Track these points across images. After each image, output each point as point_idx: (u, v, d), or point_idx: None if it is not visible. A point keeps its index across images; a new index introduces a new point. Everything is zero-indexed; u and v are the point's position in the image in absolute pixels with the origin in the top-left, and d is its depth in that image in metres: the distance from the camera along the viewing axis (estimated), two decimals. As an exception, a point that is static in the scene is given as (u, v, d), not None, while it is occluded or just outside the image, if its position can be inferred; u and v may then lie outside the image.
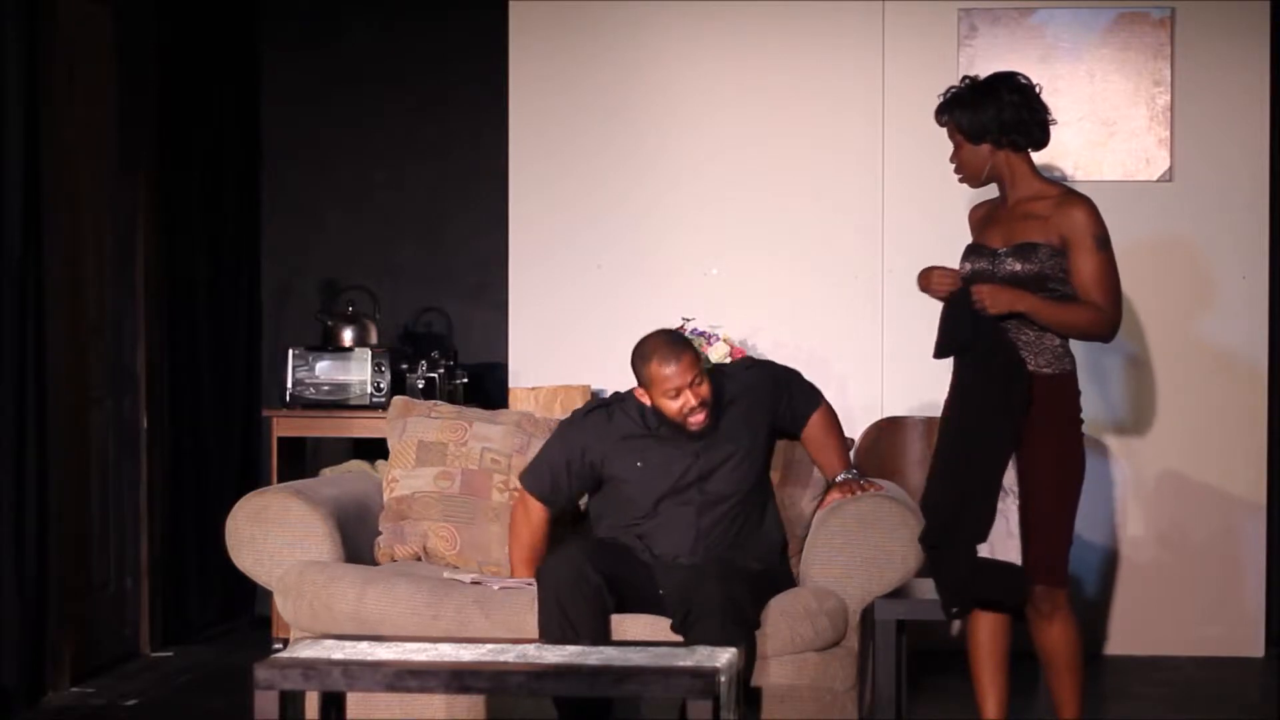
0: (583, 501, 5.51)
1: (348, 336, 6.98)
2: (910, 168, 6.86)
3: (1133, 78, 6.86)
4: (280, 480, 6.60)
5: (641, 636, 5.02)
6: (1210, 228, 6.86)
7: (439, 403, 6.08)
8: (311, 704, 4.75)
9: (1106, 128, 6.87)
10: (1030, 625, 4.91)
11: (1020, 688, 5.18)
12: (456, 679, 4.04)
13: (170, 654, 6.82)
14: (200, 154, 7.26)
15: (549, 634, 4.90)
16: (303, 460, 7.09)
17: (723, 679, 4.00)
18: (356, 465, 6.11)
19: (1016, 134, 4.87)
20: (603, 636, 4.92)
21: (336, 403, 6.89)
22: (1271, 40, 6.85)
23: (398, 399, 5.94)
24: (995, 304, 4.77)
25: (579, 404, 6.45)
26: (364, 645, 4.28)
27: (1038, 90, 4.92)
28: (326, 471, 6.08)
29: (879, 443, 6.65)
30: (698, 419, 5.19)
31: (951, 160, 4.96)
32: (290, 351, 6.94)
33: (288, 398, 6.91)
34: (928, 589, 5.53)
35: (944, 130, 4.97)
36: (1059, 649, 4.87)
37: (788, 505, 5.55)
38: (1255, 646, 6.85)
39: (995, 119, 4.85)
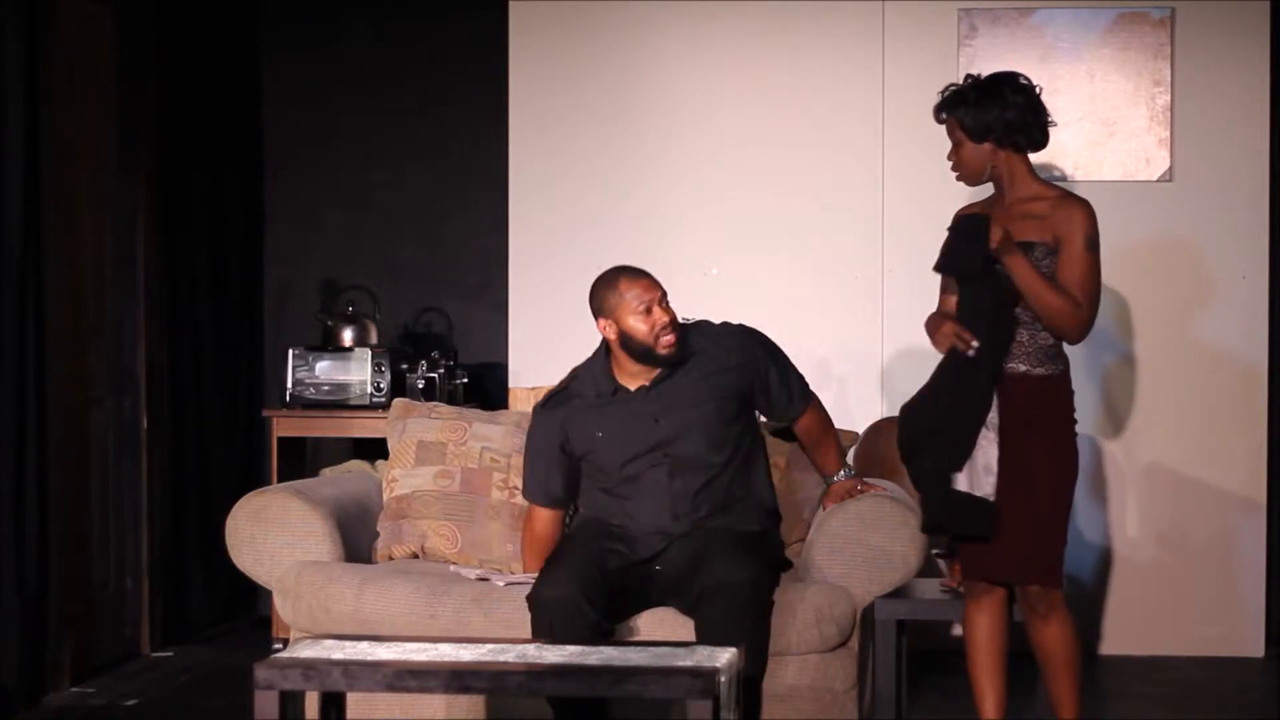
0: None
1: (348, 336, 6.99)
2: (910, 168, 6.86)
3: (1133, 78, 6.86)
4: (280, 480, 6.60)
5: (648, 630, 5.03)
6: (1210, 228, 6.86)
7: (439, 404, 6.09)
8: (311, 704, 4.76)
9: (1106, 128, 6.88)
10: (1027, 626, 4.91)
11: (1020, 688, 5.18)
12: (456, 679, 4.04)
13: (170, 654, 6.82)
14: (200, 154, 7.26)
15: None
16: (303, 460, 7.09)
17: (723, 679, 4.00)
18: (356, 465, 6.11)
19: (1019, 134, 4.87)
20: None
21: (336, 403, 6.89)
22: (1271, 40, 6.85)
23: (398, 401, 5.95)
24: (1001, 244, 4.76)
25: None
26: (364, 645, 4.28)
27: (1038, 92, 4.92)
28: (326, 471, 6.08)
29: (879, 443, 6.65)
30: (669, 339, 5.10)
31: (950, 158, 4.96)
32: (290, 351, 6.94)
33: (288, 398, 6.91)
34: (928, 589, 5.54)
35: (943, 129, 4.97)
36: (1056, 649, 4.87)
37: (797, 489, 5.56)
38: (1255, 646, 6.85)
39: (1000, 118, 4.84)
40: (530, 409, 6.08)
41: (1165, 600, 6.87)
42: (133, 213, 6.81)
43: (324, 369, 6.91)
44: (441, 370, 6.91)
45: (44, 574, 5.99)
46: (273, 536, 5.43)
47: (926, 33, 6.89)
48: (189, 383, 7.16)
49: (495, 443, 5.69)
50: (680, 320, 5.17)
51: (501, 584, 5.26)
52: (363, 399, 6.87)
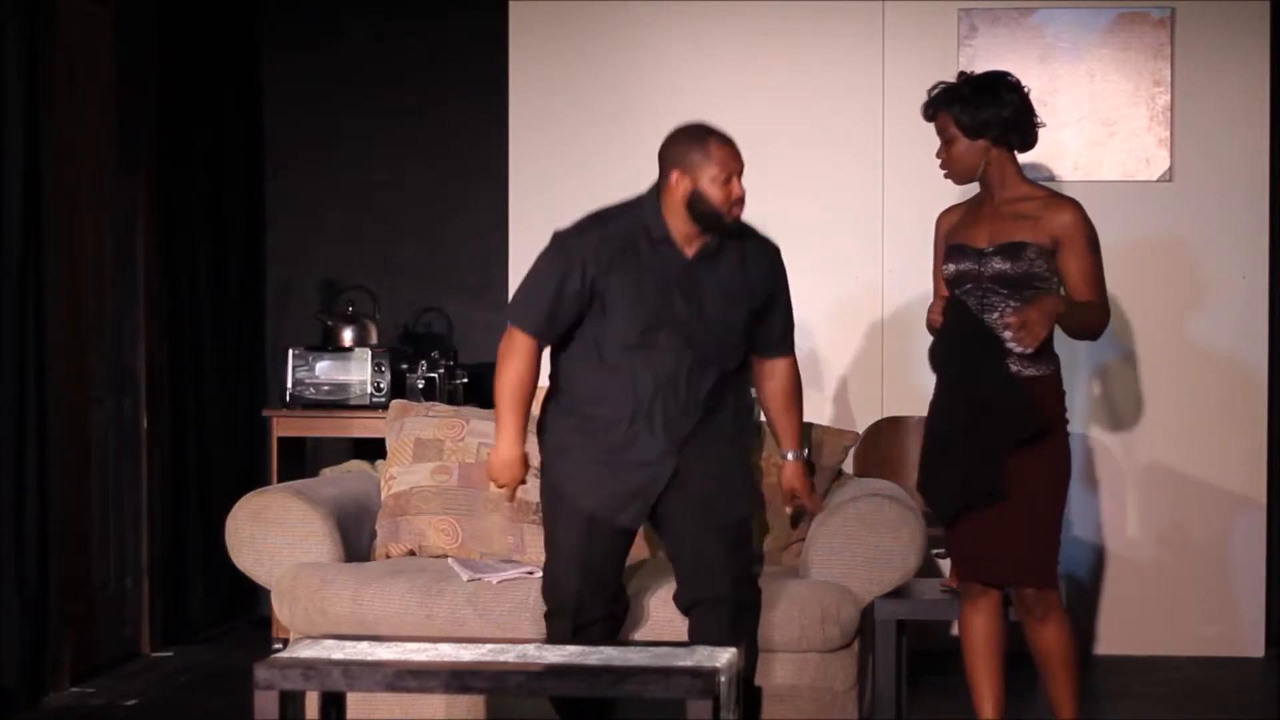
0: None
1: (348, 336, 6.99)
2: (910, 168, 6.86)
3: (1133, 78, 6.86)
4: (280, 480, 6.60)
5: (649, 628, 5.04)
6: (1210, 228, 6.86)
7: (435, 403, 6.10)
8: (311, 704, 4.76)
9: (1106, 128, 6.88)
10: (1024, 628, 4.91)
11: (1019, 688, 5.18)
12: (456, 679, 4.04)
13: (170, 654, 6.82)
14: (201, 154, 7.26)
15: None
16: (303, 460, 7.09)
17: (723, 679, 4.00)
18: (356, 465, 6.11)
19: (1014, 133, 4.87)
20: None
21: (336, 403, 6.89)
22: (1271, 40, 6.85)
23: (396, 402, 5.96)
24: (1038, 333, 4.69)
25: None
26: (364, 645, 4.29)
27: (1027, 92, 4.93)
28: (326, 471, 6.09)
29: (879, 443, 6.65)
30: (738, 212, 4.84)
31: (940, 155, 4.95)
32: (290, 351, 6.95)
33: (288, 398, 6.92)
34: (928, 589, 5.54)
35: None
36: (1053, 650, 4.87)
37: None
38: (1255, 646, 6.85)
39: (997, 116, 4.84)
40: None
41: (1165, 600, 6.87)
42: (133, 213, 6.81)
43: (324, 369, 6.91)
44: (441, 370, 6.91)
45: (44, 574, 5.99)
46: (273, 536, 5.43)
47: (926, 33, 6.89)
48: (189, 383, 7.16)
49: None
50: None
51: (495, 581, 5.26)
52: (363, 399, 6.87)
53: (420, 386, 6.86)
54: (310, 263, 7.61)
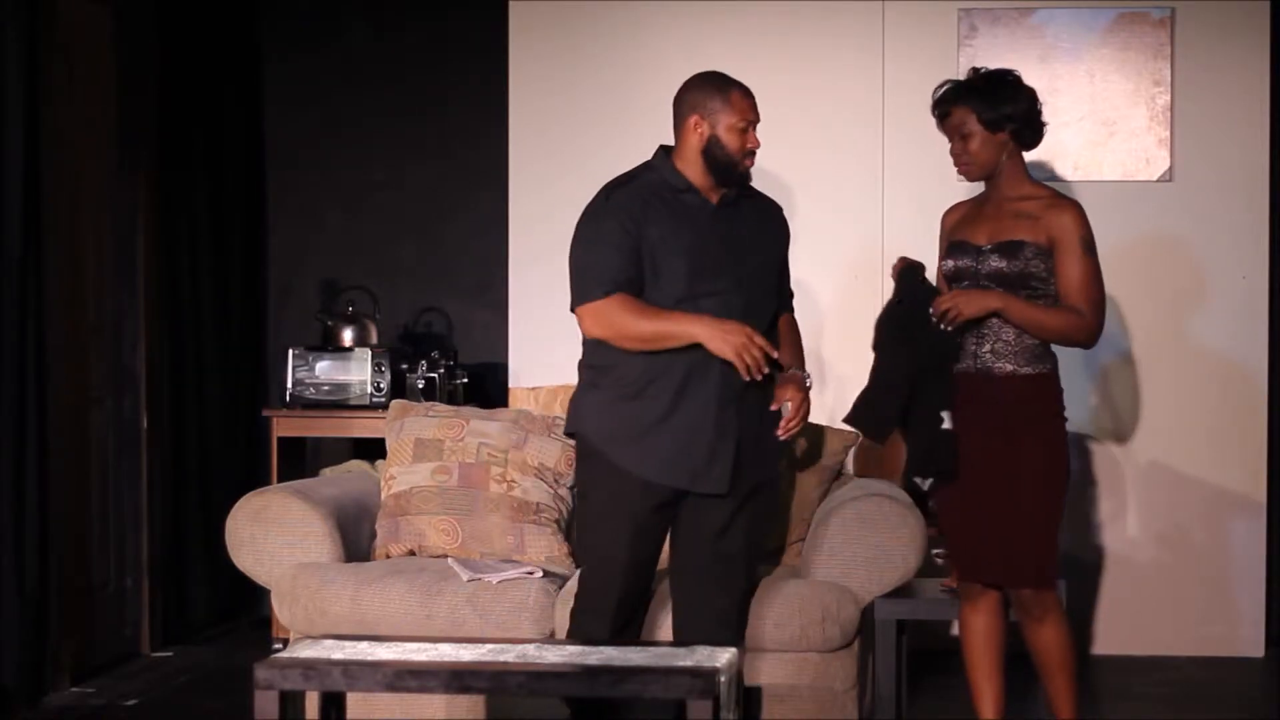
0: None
1: (348, 336, 6.99)
2: (910, 168, 6.86)
3: (1133, 78, 6.86)
4: (280, 480, 6.60)
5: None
6: (1210, 228, 6.86)
7: (435, 403, 6.10)
8: (311, 704, 4.76)
9: (1106, 128, 6.87)
10: (1021, 628, 4.91)
11: (1019, 689, 5.18)
12: (456, 679, 4.04)
13: (170, 654, 6.82)
14: (201, 154, 7.26)
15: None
16: (303, 460, 7.09)
17: (723, 679, 4.00)
18: (356, 465, 6.12)
19: (1029, 128, 4.86)
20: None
21: (336, 403, 6.89)
22: (1271, 40, 6.85)
23: (396, 402, 5.96)
24: (963, 312, 4.76)
25: (579, 404, 6.44)
26: (364, 645, 4.29)
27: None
28: (326, 471, 6.09)
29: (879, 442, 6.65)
30: (750, 163, 4.82)
31: (955, 153, 4.91)
32: (290, 351, 6.95)
33: (288, 398, 6.92)
34: (928, 589, 5.54)
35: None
36: (1051, 650, 4.86)
37: (797, 489, 5.56)
38: (1255, 646, 6.85)
39: (1017, 109, 4.83)
40: (529, 408, 6.09)
41: (1165, 600, 6.87)
42: (133, 213, 6.81)
43: (324, 369, 6.91)
44: (441, 370, 6.91)
45: (44, 574, 5.99)
46: (273, 537, 5.43)
47: (926, 33, 6.89)
48: (189, 383, 7.16)
49: (493, 439, 5.69)
50: None
51: (495, 581, 5.26)
52: (363, 399, 6.87)
53: (420, 386, 6.86)
54: (310, 263, 7.60)
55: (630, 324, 4.71)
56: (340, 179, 7.62)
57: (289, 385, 6.91)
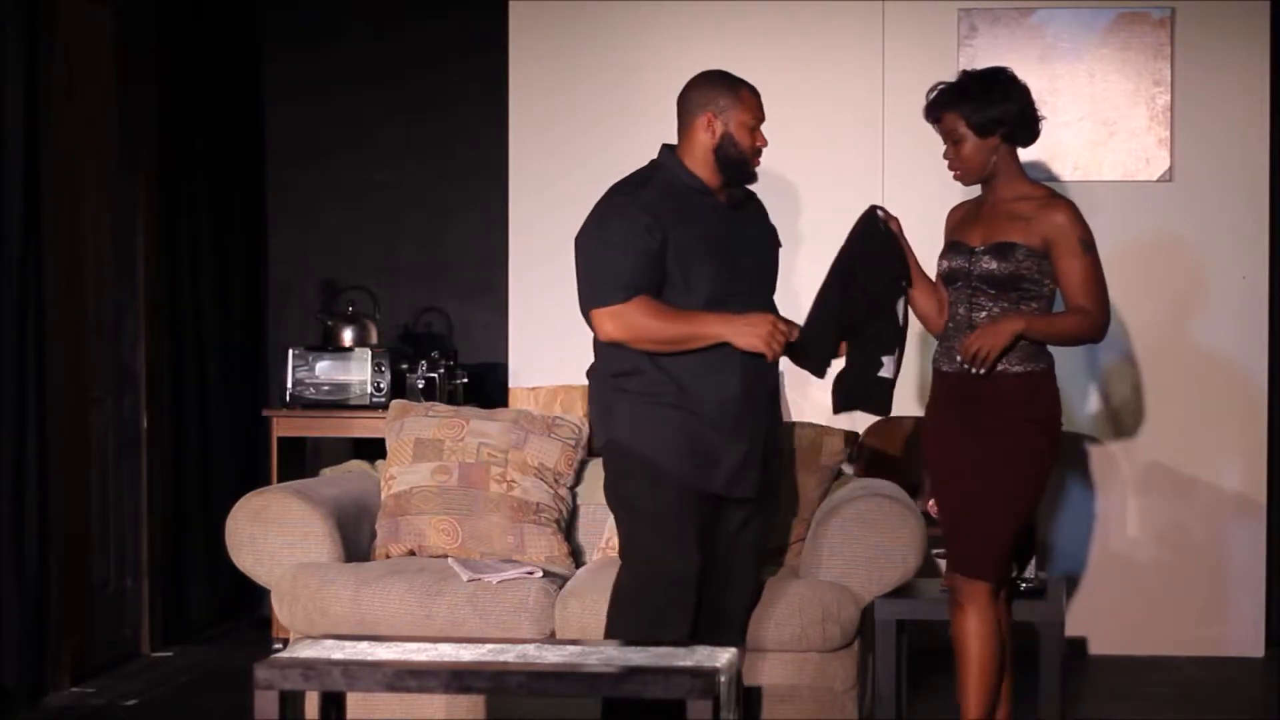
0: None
1: (348, 336, 6.99)
2: (910, 168, 6.86)
3: (1133, 78, 6.86)
4: (280, 480, 6.60)
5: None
6: (1210, 228, 6.86)
7: (435, 403, 6.09)
8: (311, 704, 4.76)
9: (1106, 128, 6.88)
10: (949, 612, 4.88)
11: (1019, 689, 5.17)
12: (456, 679, 4.04)
13: (170, 654, 6.82)
14: (201, 154, 7.26)
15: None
16: (303, 460, 7.09)
17: (723, 679, 4.00)
18: (356, 465, 6.12)
19: (1022, 128, 4.85)
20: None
21: (336, 403, 6.89)
22: (1271, 40, 6.85)
23: (396, 402, 5.96)
24: (994, 346, 4.72)
25: (579, 404, 6.45)
26: (364, 645, 4.29)
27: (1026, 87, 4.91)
28: (326, 471, 6.09)
29: (879, 443, 6.65)
30: (758, 162, 4.82)
31: (948, 156, 4.91)
32: (290, 351, 6.95)
33: (288, 398, 6.92)
34: (928, 589, 5.54)
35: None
36: (965, 642, 4.79)
37: (798, 489, 5.56)
38: (1255, 646, 6.85)
39: (1009, 111, 4.80)
40: (529, 408, 6.09)
41: (1165, 600, 6.87)
42: (133, 213, 6.81)
43: (324, 369, 6.91)
44: (441, 370, 6.91)
45: (44, 574, 5.99)
46: (273, 537, 5.43)
47: (926, 33, 6.89)
48: (189, 383, 7.16)
49: (493, 439, 5.69)
50: None
51: (495, 581, 5.26)
52: (363, 399, 6.87)
53: (420, 386, 6.86)
54: (310, 263, 7.61)
55: (654, 327, 4.66)
56: (340, 179, 7.62)
57: (289, 385, 6.91)
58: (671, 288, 4.69)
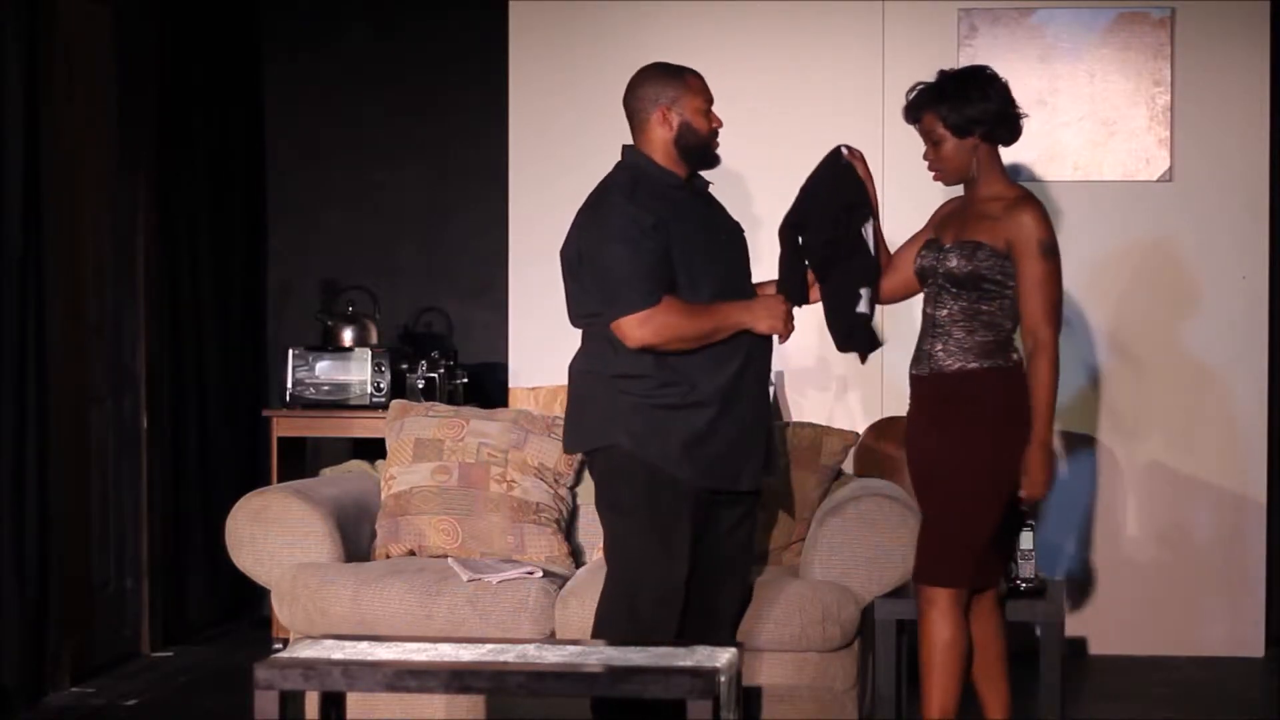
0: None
1: (348, 336, 6.99)
2: (910, 168, 6.82)
3: (1133, 78, 6.86)
4: (280, 480, 6.60)
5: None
6: (1210, 228, 6.86)
7: (435, 403, 6.10)
8: (311, 704, 4.76)
9: (1106, 128, 6.87)
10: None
11: (1019, 689, 5.17)
12: (456, 679, 4.04)
13: (170, 654, 6.82)
14: (201, 154, 7.26)
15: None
16: (303, 460, 7.09)
17: (722, 679, 4.00)
18: (356, 465, 6.12)
19: (1002, 127, 4.83)
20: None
21: (336, 403, 6.89)
22: (1271, 40, 6.85)
23: (396, 402, 5.96)
24: (1040, 487, 4.66)
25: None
26: (364, 645, 4.29)
27: (1006, 84, 4.88)
28: (326, 471, 6.09)
29: (879, 442, 6.65)
30: (718, 143, 4.82)
31: (928, 157, 4.90)
32: (290, 351, 6.95)
33: (288, 398, 6.92)
34: (928, 589, 5.53)
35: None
36: (922, 644, 4.76)
37: (798, 489, 5.56)
38: (1255, 646, 6.85)
39: (986, 111, 4.78)
40: (529, 408, 6.09)
41: (1166, 600, 6.87)
42: (133, 213, 6.81)
43: (324, 369, 6.91)
44: (441, 370, 6.91)
45: (44, 574, 5.99)
46: (272, 536, 5.43)
47: (926, 33, 6.89)
48: (189, 383, 7.16)
49: (492, 439, 5.69)
50: None
51: (495, 581, 5.26)
52: (363, 399, 6.87)
53: (420, 386, 6.86)
54: (310, 263, 7.61)
55: (684, 326, 4.61)
56: (340, 179, 7.62)
57: (289, 385, 6.91)
58: (679, 285, 4.67)
